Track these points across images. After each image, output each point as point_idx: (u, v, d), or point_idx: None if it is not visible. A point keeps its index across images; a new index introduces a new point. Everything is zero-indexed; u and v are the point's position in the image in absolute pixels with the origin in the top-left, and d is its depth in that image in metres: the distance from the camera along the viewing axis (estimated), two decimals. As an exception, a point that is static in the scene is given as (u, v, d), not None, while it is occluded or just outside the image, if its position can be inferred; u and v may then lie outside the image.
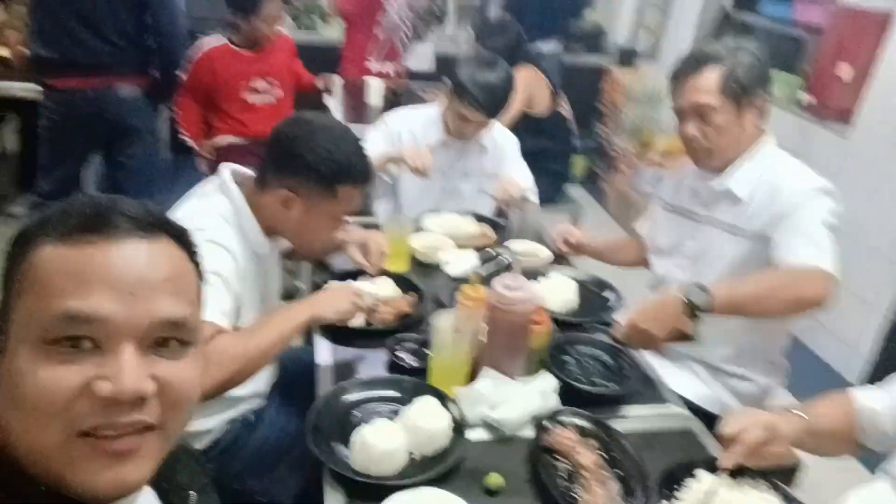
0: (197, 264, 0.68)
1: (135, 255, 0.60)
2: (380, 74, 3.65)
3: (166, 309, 0.60)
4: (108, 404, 0.56)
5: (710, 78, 1.49)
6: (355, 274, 1.65)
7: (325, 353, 1.42)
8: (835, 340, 2.92)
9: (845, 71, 3.17)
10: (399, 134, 2.18)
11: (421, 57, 3.98)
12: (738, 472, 1.12)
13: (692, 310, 1.33)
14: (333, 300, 1.37)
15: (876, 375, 2.75)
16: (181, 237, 0.66)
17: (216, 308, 1.20)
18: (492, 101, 2.02)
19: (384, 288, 1.62)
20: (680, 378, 1.62)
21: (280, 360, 1.51)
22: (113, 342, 0.57)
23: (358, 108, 3.27)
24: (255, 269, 1.36)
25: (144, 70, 2.58)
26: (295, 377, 1.59)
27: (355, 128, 2.14)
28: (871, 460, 1.24)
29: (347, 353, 1.43)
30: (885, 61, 2.86)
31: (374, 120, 3.27)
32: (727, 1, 4.31)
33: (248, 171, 1.40)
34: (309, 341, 1.58)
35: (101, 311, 0.56)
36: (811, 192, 1.46)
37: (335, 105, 3.28)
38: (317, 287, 1.62)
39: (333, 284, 1.58)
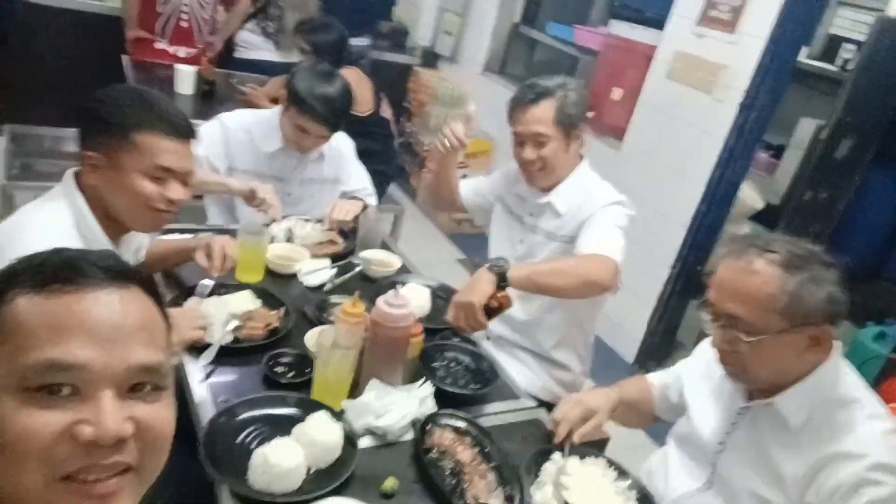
0: (164, 311, 0.71)
1: (109, 304, 0.63)
2: (188, 60, 3.43)
3: (141, 355, 0.63)
4: (90, 448, 0.59)
5: (546, 110, 1.74)
6: (214, 288, 1.61)
7: (195, 375, 1.39)
8: (615, 327, 3.48)
9: (617, 93, 3.74)
10: (234, 136, 2.12)
11: (255, 47, 3.78)
12: (584, 454, 1.38)
13: (498, 280, 1.52)
14: (175, 324, 1.35)
15: (643, 352, 3.35)
16: (148, 285, 0.69)
17: None
18: (333, 115, 2.05)
19: (244, 300, 1.61)
20: (514, 369, 1.86)
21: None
22: (92, 388, 0.60)
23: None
24: None
25: None
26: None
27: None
28: (660, 436, 1.60)
29: (219, 372, 1.41)
30: (648, 88, 3.44)
31: (185, 111, 3.09)
32: (516, 17, 4.76)
33: None
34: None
35: (80, 359, 0.59)
36: (608, 203, 1.79)
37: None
38: (174, 305, 1.56)
39: (189, 303, 1.54)
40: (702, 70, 3.16)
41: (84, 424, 0.58)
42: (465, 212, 2.20)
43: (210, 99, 3.16)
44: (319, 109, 1.99)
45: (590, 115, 1.89)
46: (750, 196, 3.31)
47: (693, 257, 3.16)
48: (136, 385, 0.63)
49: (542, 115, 1.75)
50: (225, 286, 1.63)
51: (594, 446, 1.84)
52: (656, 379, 1.57)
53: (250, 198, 1.98)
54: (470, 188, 2.13)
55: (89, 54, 3.63)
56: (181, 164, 1.33)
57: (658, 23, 3.51)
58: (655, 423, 1.60)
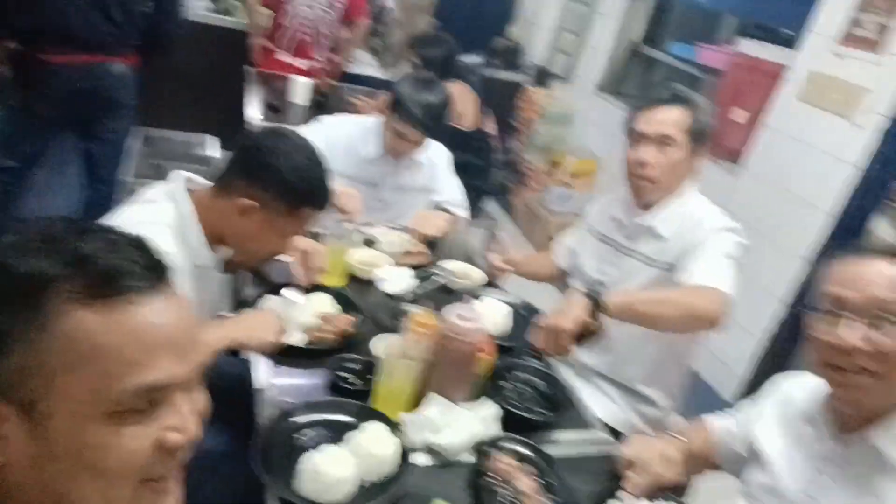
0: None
1: (167, 309, 0.62)
2: (306, 73, 3.58)
3: (202, 353, 0.65)
4: (176, 452, 0.62)
5: (682, 115, 1.63)
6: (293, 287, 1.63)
7: (263, 370, 1.40)
8: (716, 362, 3.22)
9: (739, 114, 3.49)
10: (335, 139, 2.16)
11: (361, 63, 3.94)
12: (652, 496, 1.25)
13: (593, 306, 1.41)
14: (256, 328, 1.37)
15: (746, 394, 3.07)
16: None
17: None
18: (430, 120, 2.06)
19: (321, 303, 1.61)
20: (596, 400, 1.75)
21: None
22: (171, 396, 0.61)
23: (278, 106, 3.20)
24: (191, 283, 1.32)
25: (135, 47, 2.65)
26: (218, 391, 1.55)
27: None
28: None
29: (287, 371, 1.42)
30: (776, 108, 3.17)
31: (296, 120, 3.23)
32: (637, 36, 4.60)
33: (202, 180, 1.38)
34: (234, 352, 1.54)
35: (173, 375, 0.60)
36: (719, 230, 1.62)
37: (252, 98, 3.19)
38: (245, 304, 1.59)
39: (269, 300, 1.56)
40: (839, 92, 2.87)
41: (172, 432, 0.60)
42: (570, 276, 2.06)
43: (322, 110, 3.27)
44: (416, 113, 2.01)
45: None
46: (885, 231, 2.95)
47: (812, 295, 2.86)
48: None
49: (675, 117, 1.63)
50: (305, 287, 1.64)
51: (672, 491, 1.68)
52: (716, 424, 1.40)
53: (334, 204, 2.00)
54: (565, 251, 2.03)
55: (217, 65, 3.89)
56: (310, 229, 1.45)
57: (791, 42, 3.24)
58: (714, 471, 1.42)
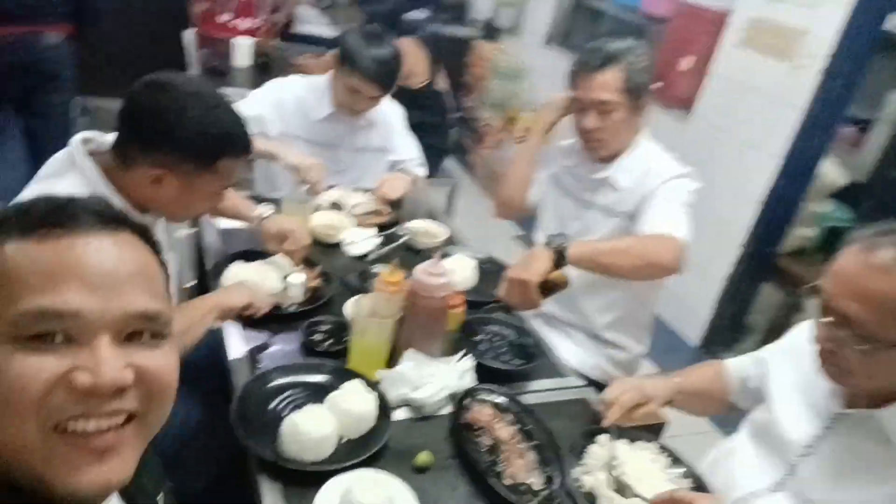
0: (161, 261, 0.67)
1: (102, 249, 0.60)
2: (249, 33, 3.45)
3: (139, 302, 0.60)
4: (88, 396, 0.56)
5: (614, 76, 1.61)
6: (251, 255, 1.60)
7: (235, 338, 1.38)
8: (679, 306, 3.31)
9: (686, 62, 3.53)
10: (285, 101, 2.10)
11: (309, 21, 3.79)
12: (633, 438, 1.29)
13: (556, 258, 1.44)
14: (237, 293, 1.35)
15: (709, 336, 3.19)
16: (143, 232, 0.66)
17: None
18: (385, 75, 2.00)
19: (284, 265, 1.59)
20: (565, 347, 1.79)
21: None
22: (88, 335, 0.57)
23: (220, 68, 3.08)
24: None
25: (67, 16, 2.50)
26: (198, 362, 1.52)
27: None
28: (726, 424, 1.47)
29: (259, 337, 1.40)
30: (721, 55, 3.22)
31: (240, 82, 3.11)
32: (581, -13, 4.57)
33: (105, 138, 1.25)
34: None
35: (74, 306, 0.56)
36: (672, 177, 1.66)
37: (192, 62, 3.07)
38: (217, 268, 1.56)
39: (230, 271, 1.53)
40: (779, 37, 2.92)
41: (81, 371, 0.55)
42: (532, 211, 2.03)
43: (266, 71, 3.17)
44: (370, 67, 1.95)
45: (657, 86, 1.75)
46: (832, 171, 3.07)
47: (766, 236, 2.96)
48: (134, 333, 0.60)
49: (608, 81, 1.62)
50: (262, 253, 1.60)
51: (649, 431, 1.75)
52: (735, 364, 1.43)
53: (298, 174, 1.95)
54: (537, 189, 2.02)
55: (156, 29, 3.72)
56: (237, 176, 1.32)
57: (733, -12, 3.28)
58: (729, 410, 1.46)
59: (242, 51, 3.17)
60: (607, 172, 1.74)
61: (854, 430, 1.08)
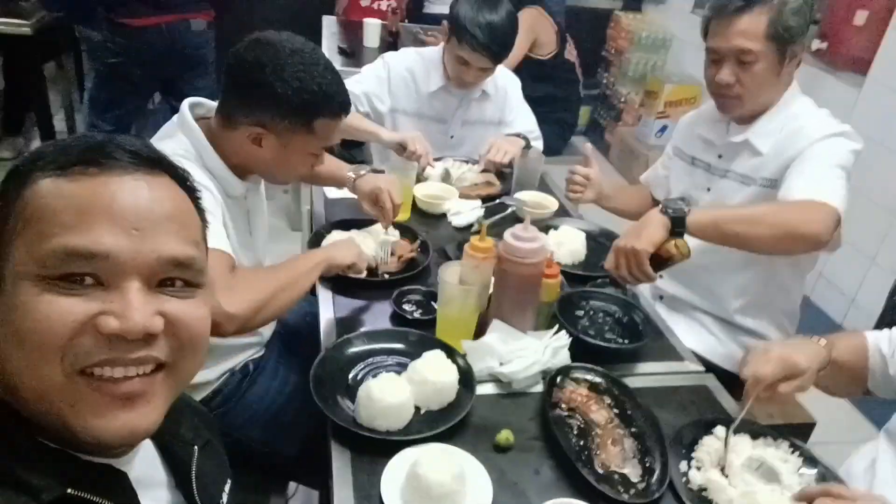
0: (199, 207, 0.65)
1: (137, 190, 0.57)
2: (376, 13, 3.50)
3: (173, 247, 0.58)
4: (115, 341, 0.54)
5: (757, 21, 1.37)
6: (356, 223, 1.59)
7: (327, 304, 1.37)
8: (838, 295, 2.90)
9: (861, 17, 3.05)
10: (394, 75, 2.07)
11: (441, 2, 3.77)
12: (757, 432, 1.10)
13: (673, 225, 1.24)
14: (346, 249, 1.33)
15: (879, 329, 2.74)
16: (182, 178, 0.63)
17: (222, 241, 1.15)
18: (495, 44, 1.87)
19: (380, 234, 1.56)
20: (692, 333, 1.59)
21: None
22: (117, 279, 0.54)
23: (348, 50, 3.14)
24: (230, 212, 1.27)
25: (210, 3, 2.69)
26: (296, 327, 1.54)
27: (353, 73, 2.05)
28: (878, 418, 1.22)
29: (351, 304, 1.38)
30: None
31: (367, 62, 3.16)
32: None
33: (213, 104, 1.29)
34: (311, 291, 1.53)
35: (104, 247, 0.54)
36: (825, 136, 1.38)
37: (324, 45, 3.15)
38: (318, 237, 1.56)
39: (333, 236, 1.52)
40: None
41: (109, 315, 0.53)
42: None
43: (393, 49, 3.19)
44: (480, 37, 1.84)
45: (823, 45, 1.45)
46: None
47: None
48: (167, 280, 0.58)
49: (751, 27, 1.37)
50: (365, 222, 1.58)
51: (794, 432, 1.49)
52: (877, 338, 1.17)
53: (400, 150, 1.91)
54: (656, 179, 1.83)
55: (296, 15, 3.88)
56: (336, 138, 1.31)
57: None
58: (864, 395, 1.21)
59: (372, 31, 3.22)
60: (746, 135, 1.50)
61: None
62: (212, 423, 0.83)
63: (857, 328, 2.85)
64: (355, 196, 1.64)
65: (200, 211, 0.65)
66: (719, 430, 1.10)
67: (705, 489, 1.00)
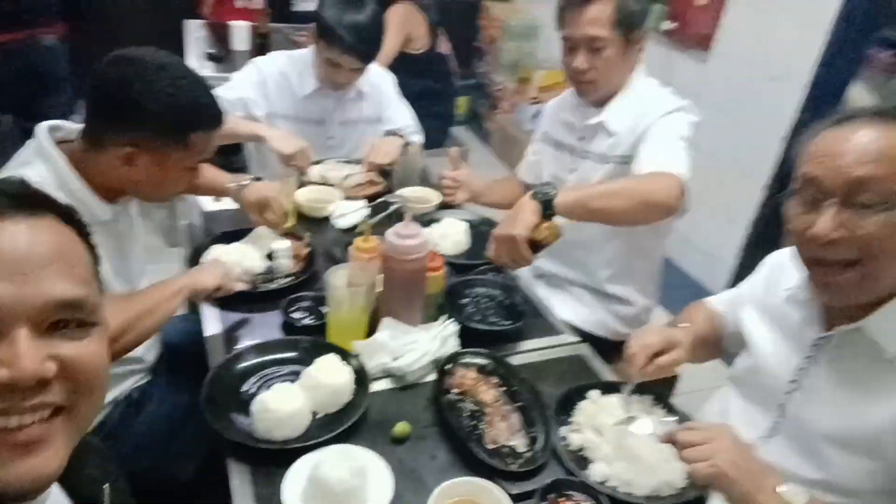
0: (89, 243, 0.64)
1: (17, 234, 0.56)
2: (244, 14, 3.40)
3: (59, 289, 0.57)
4: (7, 391, 0.53)
5: (604, 9, 1.50)
6: (232, 235, 1.57)
7: (214, 321, 1.36)
8: (700, 254, 3.17)
9: (702, -3, 3.32)
10: (267, 79, 2.05)
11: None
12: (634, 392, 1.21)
13: (543, 208, 1.33)
14: (209, 273, 1.32)
15: (737, 283, 3.04)
16: (67, 215, 0.63)
17: None
18: (363, 44, 1.89)
19: (269, 238, 1.56)
20: (568, 306, 1.70)
21: (163, 331, 1.43)
22: (4, 328, 0.54)
23: (218, 54, 3.05)
24: (99, 238, 1.24)
25: (60, 16, 2.50)
26: (181, 348, 1.51)
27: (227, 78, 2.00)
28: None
29: (238, 318, 1.38)
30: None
31: (238, 68, 3.08)
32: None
33: (71, 125, 1.24)
34: (194, 310, 1.50)
35: None
36: (668, 112, 1.53)
37: (190, 50, 3.05)
38: (198, 252, 1.53)
39: (211, 253, 1.51)
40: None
41: None
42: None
43: (264, 53, 3.12)
44: (347, 38, 1.86)
45: (670, 25, 1.59)
46: (861, 99, 2.84)
47: (791, 174, 2.78)
48: (59, 322, 0.57)
49: (598, 15, 1.50)
50: (245, 231, 1.57)
51: (662, 385, 1.65)
52: (717, 303, 1.33)
53: (284, 161, 1.89)
54: (528, 166, 1.94)
55: (156, 22, 3.70)
56: (212, 150, 1.30)
57: None
58: (724, 356, 1.37)
59: (240, 34, 3.14)
60: (601, 117, 1.63)
61: (840, 352, 0.99)
62: (114, 458, 0.82)
63: (718, 284, 3.16)
64: (234, 207, 1.63)
65: (91, 247, 0.64)
66: (592, 393, 1.21)
67: (583, 449, 1.10)
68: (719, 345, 1.34)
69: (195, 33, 3.24)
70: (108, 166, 1.19)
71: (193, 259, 1.50)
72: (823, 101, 2.66)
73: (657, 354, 1.15)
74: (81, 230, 0.63)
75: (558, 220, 1.37)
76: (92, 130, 1.19)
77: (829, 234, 0.89)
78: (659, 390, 1.23)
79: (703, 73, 3.15)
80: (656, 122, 1.51)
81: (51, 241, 0.58)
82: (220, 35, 3.23)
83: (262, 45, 3.14)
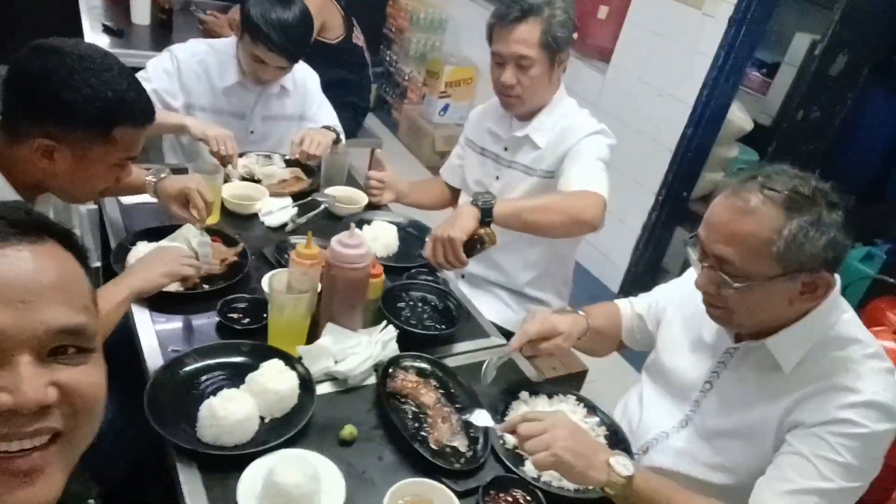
0: (87, 267, 0.64)
1: (19, 261, 0.56)
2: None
3: (61, 317, 0.57)
4: (9, 416, 0.54)
5: (532, 31, 1.59)
6: (158, 232, 1.52)
7: (146, 324, 1.32)
8: (600, 257, 3.41)
9: (604, 11, 3.54)
10: (187, 70, 1.97)
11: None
12: (552, 392, 1.33)
13: (483, 215, 1.44)
14: (157, 263, 1.28)
15: (627, 282, 3.31)
16: (67, 239, 0.63)
17: None
18: (290, 43, 1.87)
19: (197, 236, 1.52)
20: (492, 307, 1.81)
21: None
22: (6, 354, 0.54)
23: (116, 29, 2.85)
24: None
25: None
26: (110, 349, 1.45)
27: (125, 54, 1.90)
28: (636, 362, 1.54)
29: (172, 320, 1.35)
30: (636, 2, 3.24)
31: (139, 43, 2.91)
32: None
33: None
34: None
35: None
36: (589, 134, 1.67)
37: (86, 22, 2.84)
38: (122, 250, 1.47)
39: (139, 249, 1.46)
40: (691, -18, 2.97)
41: (1, 392, 0.53)
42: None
43: (167, 29, 2.98)
44: (275, 37, 1.83)
45: (574, 36, 1.74)
46: (739, 117, 3.18)
47: (678, 183, 3.07)
48: (59, 349, 0.58)
49: (527, 35, 1.60)
50: (171, 227, 1.52)
51: (571, 379, 1.81)
52: (628, 305, 1.48)
53: (208, 146, 1.82)
54: (452, 168, 2.03)
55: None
56: (140, 147, 1.26)
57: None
58: (620, 349, 1.54)
59: (141, 7, 2.96)
60: (527, 130, 1.74)
61: (745, 361, 1.16)
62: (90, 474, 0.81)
63: (612, 280, 3.42)
64: (156, 201, 1.58)
65: (89, 272, 0.64)
66: (523, 394, 1.32)
67: (518, 447, 1.21)
68: (615, 341, 1.49)
69: (90, 3, 3.01)
70: (27, 159, 1.14)
71: (119, 256, 1.45)
72: (707, 118, 2.95)
73: (542, 340, 1.28)
74: (80, 255, 0.64)
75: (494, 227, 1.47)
76: (9, 122, 1.14)
77: (701, 288, 1.11)
78: (563, 389, 1.37)
79: (602, 84, 3.37)
80: (579, 142, 1.65)
81: (53, 267, 0.59)
82: (117, 7, 3.02)
83: (165, 21, 2.98)
